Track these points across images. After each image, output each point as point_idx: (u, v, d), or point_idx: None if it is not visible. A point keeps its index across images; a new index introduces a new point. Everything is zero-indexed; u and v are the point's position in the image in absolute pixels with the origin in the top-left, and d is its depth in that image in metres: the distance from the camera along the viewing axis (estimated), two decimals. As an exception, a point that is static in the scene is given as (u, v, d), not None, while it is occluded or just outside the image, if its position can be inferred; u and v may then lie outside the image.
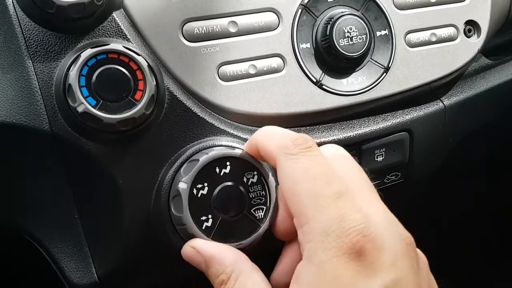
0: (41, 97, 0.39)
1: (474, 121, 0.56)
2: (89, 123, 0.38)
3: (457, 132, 0.55)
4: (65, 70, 0.38)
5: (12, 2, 0.40)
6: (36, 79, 0.39)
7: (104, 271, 0.45)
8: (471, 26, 0.53)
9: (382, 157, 0.52)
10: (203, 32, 0.45)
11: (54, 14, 0.38)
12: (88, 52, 0.38)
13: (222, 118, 0.45)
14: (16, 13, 0.40)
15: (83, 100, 0.37)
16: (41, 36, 0.39)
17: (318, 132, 0.49)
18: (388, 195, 0.54)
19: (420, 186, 0.57)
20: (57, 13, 0.38)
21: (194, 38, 0.45)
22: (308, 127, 0.49)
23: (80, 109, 0.37)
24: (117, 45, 0.39)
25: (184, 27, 0.44)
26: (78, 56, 0.38)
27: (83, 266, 0.44)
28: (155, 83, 0.40)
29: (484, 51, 0.60)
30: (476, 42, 0.53)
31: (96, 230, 0.43)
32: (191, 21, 0.45)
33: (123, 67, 0.39)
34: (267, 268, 0.40)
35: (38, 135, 0.39)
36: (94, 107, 0.38)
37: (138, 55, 0.40)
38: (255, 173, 0.41)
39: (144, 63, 0.40)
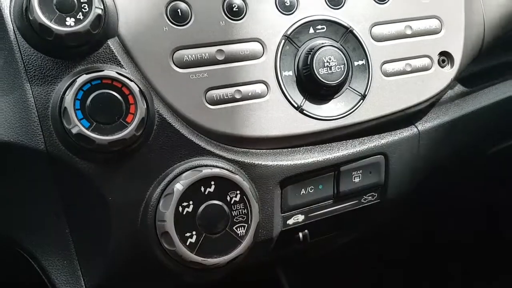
0: (37, 118, 0.42)
1: (447, 146, 0.60)
2: (83, 144, 0.41)
3: (431, 156, 0.59)
4: (61, 93, 0.41)
5: (13, 28, 0.43)
6: (33, 101, 0.42)
7: (93, 284, 0.47)
8: (445, 57, 0.57)
9: (359, 178, 0.55)
10: (192, 59, 0.48)
11: (52, 42, 0.41)
12: (84, 77, 0.41)
13: (208, 139, 0.48)
14: (17, 39, 0.42)
15: (77, 123, 0.40)
16: (40, 61, 0.42)
17: (299, 153, 0.52)
18: (365, 215, 0.57)
19: (396, 206, 0.60)
20: (55, 41, 0.41)
21: (184, 64, 0.48)
22: (289, 149, 0.52)
23: (74, 130, 0.40)
24: (110, 71, 0.42)
25: (175, 54, 0.47)
26: (74, 81, 0.41)
27: (73, 279, 0.46)
28: (145, 106, 0.43)
29: (460, 79, 0.63)
30: (450, 72, 0.57)
31: (86, 245, 0.46)
32: (181, 49, 0.48)
33: (116, 92, 0.42)
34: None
35: (34, 154, 0.42)
36: (87, 129, 0.41)
37: (131, 80, 0.43)
38: (238, 192, 0.44)
39: (135, 89, 0.43)
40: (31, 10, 0.41)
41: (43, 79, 0.42)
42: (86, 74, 0.41)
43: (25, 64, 0.42)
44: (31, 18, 0.41)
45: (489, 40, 0.63)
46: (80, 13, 0.42)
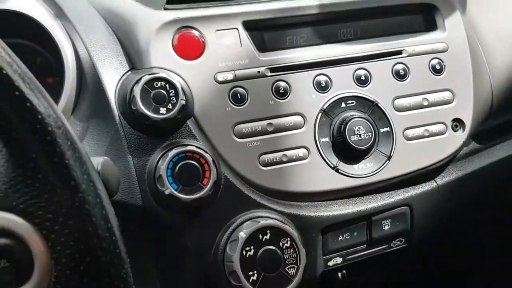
0: (137, 182, 0.55)
1: (464, 197, 0.69)
2: (172, 202, 0.53)
3: (450, 206, 0.68)
4: (155, 163, 0.54)
5: (118, 114, 0.57)
6: (134, 169, 0.55)
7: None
8: (457, 123, 0.67)
9: (388, 226, 0.65)
10: (248, 131, 0.60)
11: (148, 125, 0.55)
12: (174, 151, 0.54)
13: (262, 195, 0.60)
14: (121, 122, 0.56)
15: (169, 186, 0.53)
16: (138, 139, 0.56)
17: (336, 206, 0.63)
18: (394, 257, 0.67)
19: (421, 250, 0.69)
20: (151, 124, 0.55)
21: (242, 135, 0.60)
22: (328, 202, 0.63)
23: (167, 192, 0.53)
24: (192, 147, 0.55)
25: (235, 128, 0.60)
26: (166, 154, 0.54)
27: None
28: (216, 172, 0.55)
29: (474, 136, 0.73)
30: (462, 135, 0.67)
31: (169, 282, 0.57)
32: (240, 124, 0.60)
33: (195, 161, 0.55)
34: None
35: (133, 210, 0.55)
36: (176, 190, 0.53)
37: (206, 152, 0.55)
38: (288, 239, 0.55)
39: (209, 159, 0.55)
40: (134, 103, 0.55)
41: (141, 152, 0.56)
42: (175, 149, 0.54)
43: (127, 141, 0.56)
44: (133, 108, 0.55)
45: (497, 103, 0.73)
46: (170, 104, 0.55)
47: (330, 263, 0.63)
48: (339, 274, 0.64)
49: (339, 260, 0.63)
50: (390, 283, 0.78)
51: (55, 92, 0.71)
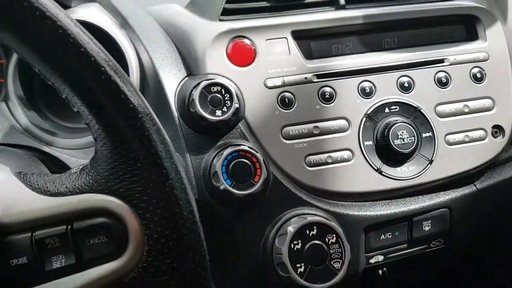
0: (194, 177, 0.60)
1: (502, 201, 0.71)
2: (225, 197, 0.58)
3: (488, 210, 0.70)
4: (210, 161, 0.59)
5: (177, 115, 0.62)
6: (191, 166, 0.60)
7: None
8: (497, 129, 0.70)
9: (429, 227, 0.67)
10: (295, 133, 0.64)
11: (205, 126, 0.60)
12: (228, 150, 0.58)
13: (308, 193, 0.64)
14: (180, 123, 0.61)
15: (223, 182, 0.57)
16: (195, 138, 0.61)
17: (379, 206, 0.66)
18: (433, 257, 0.69)
19: (460, 251, 0.71)
20: (208, 125, 0.59)
21: (289, 137, 0.64)
22: (371, 202, 0.66)
23: (221, 187, 0.57)
24: (245, 146, 0.60)
25: (283, 130, 0.64)
26: (221, 152, 0.59)
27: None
28: (266, 170, 0.60)
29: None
30: (502, 141, 0.69)
31: (220, 272, 0.61)
32: (288, 126, 0.64)
33: (248, 160, 0.59)
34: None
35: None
36: (230, 186, 0.58)
37: (257, 152, 0.60)
38: (334, 235, 0.59)
39: (260, 158, 0.60)
40: (193, 105, 0.60)
41: (197, 150, 0.61)
42: (230, 148, 0.59)
43: (185, 140, 0.61)
44: (192, 110, 0.60)
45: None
46: (225, 107, 0.60)
47: (372, 261, 0.65)
48: (380, 272, 0.67)
49: (380, 258, 0.66)
50: (427, 282, 0.80)
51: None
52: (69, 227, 0.35)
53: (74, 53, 0.33)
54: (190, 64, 0.66)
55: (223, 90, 0.61)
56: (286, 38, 0.67)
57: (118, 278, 0.35)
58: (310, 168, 0.64)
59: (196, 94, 0.60)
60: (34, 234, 0.35)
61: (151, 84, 0.66)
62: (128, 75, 0.68)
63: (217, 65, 0.64)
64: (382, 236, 0.65)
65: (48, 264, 0.35)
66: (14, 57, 0.69)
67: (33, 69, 0.36)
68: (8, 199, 0.36)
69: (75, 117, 0.75)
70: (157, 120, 0.36)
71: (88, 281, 0.35)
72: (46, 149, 0.65)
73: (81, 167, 0.37)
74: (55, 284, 0.35)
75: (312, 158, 0.64)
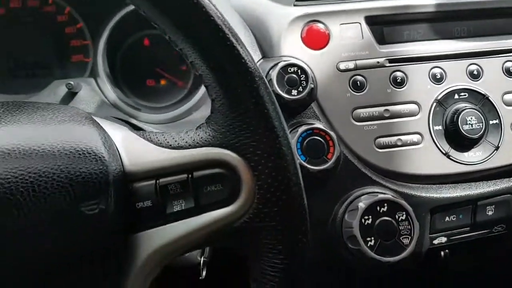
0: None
1: None
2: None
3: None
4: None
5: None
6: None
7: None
8: None
9: (492, 212, 0.68)
10: (366, 115, 0.67)
11: (281, 104, 0.62)
12: (303, 128, 0.62)
13: (376, 173, 0.66)
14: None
15: (298, 157, 0.61)
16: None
17: (445, 189, 0.67)
18: (495, 241, 0.70)
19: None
20: (284, 104, 0.63)
21: (360, 119, 0.67)
22: (437, 185, 0.68)
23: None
24: (319, 125, 0.62)
25: (354, 112, 0.67)
26: (295, 129, 0.62)
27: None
28: (339, 149, 0.62)
29: None
30: None
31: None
32: (359, 108, 0.67)
33: (321, 138, 0.62)
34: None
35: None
36: (304, 161, 0.61)
37: (331, 131, 0.63)
38: (404, 213, 0.61)
39: (334, 136, 0.62)
40: (270, 84, 0.63)
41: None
42: (304, 126, 0.62)
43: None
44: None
45: None
46: (300, 87, 0.63)
47: (435, 242, 0.68)
48: (442, 253, 0.69)
49: (443, 239, 0.68)
50: (483, 268, 0.81)
51: (185, 77, 0.81)
52: (190, 176, 0.39)
53: (204, 22, 0.37)
54: (265, 47, 0.69)
55: (299, 71, 0.64)
56: (360, 23, 0.69)
57: (229, 223, 0.39)
58: (380, 150, 0.66)
59: (273, 74, 0.63)
60: (158, 181, 0.39)
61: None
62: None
63: (292, 48, 0.67)
64: (447, 218, 0.67)
65: (169, 207, 0.39)
66: (104, 38, 0.74)
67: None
68: (134, 151, 0.40)
69: (153, 98, 0.80)
70: (268, 84, 0.39)
71: (204, 224, 0.39)
72: (134, 121, 0.69)
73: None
74: (175, 225, 0.39)
75: (381, 140, 0.67)
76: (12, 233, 0.34)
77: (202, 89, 0.73)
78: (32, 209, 0.34)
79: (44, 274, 0.35)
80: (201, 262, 0.58)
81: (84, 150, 0.37)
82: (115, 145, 0.40)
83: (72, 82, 0.69)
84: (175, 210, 0.39)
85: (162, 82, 0.83)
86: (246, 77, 0.38)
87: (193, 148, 0.39)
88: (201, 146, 0.39)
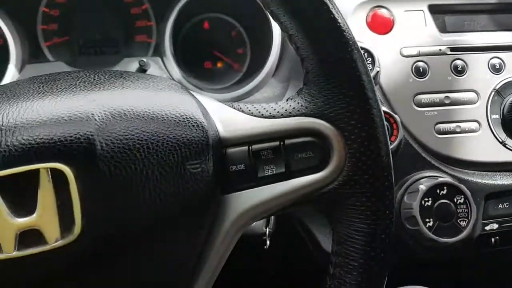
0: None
1: None
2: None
3: None
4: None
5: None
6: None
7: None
8: None
9: (547, 199, 0.70)
10: (427, 101, 0.69)
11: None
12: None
13: (435, 158, 0.68)
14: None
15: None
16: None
17: (500, 177, 0.69)
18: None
19: None
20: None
21: (421, 105, 0.69)
22: (491, 173, 0.69)
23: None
24: (383, 108, 0.64)
25: (415, 97, 0.69)
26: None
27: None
28: (402, 132, 0.64)
29: None
30: None
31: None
32: (420, 94, 0.69)
33: (386, 120, 0.64)
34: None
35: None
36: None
37: (395, 114, 0.65)
38: (462, 196, 0.63)
39: (398, 119, 0.64)
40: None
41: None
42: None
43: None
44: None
45: None
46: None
47: (487, 228, 0.69)
48: (493, 240, 0.70)
49: (495, 226, 0.69)
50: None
51: (241, 60, 0.84)
52: (282, 143, 0.41)
53: None
54: (329, 30, 0.71)
55: (366, 54, 0.66)
56: (423, 11, 0.71)
57: (318, 188, 0.41)
58: (439, 136, 0.68)
59: (340, 56, 0.65)
60: (251, 147, 0.41)
61: (291, 49, 0.72)
62: (272, 39, 0.74)
63: (357, 32, 0.69)
64: (500, 205, 0.69)
65: (261, 171, 0.41)
66: (171, 19, 0.76)
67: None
68: (227, 119, 0.42)
69: (209, 80, 0.82)
70: (363, 56, 0.41)
71: (293, 188, 0.41)
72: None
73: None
74: (265, 187, 0.41)
75: (441, 126, 0.68)
76: (127, 187, 0.37)
77: (264, 72, 0.75)
78: (146, 164, 0.37)
79: (152, 223, 0.38)
80: (266, 232, 0.61)
81: (186, 116, 0.40)
82: (209, 114, 0.43)
83: (144, 60, 0.72)
84: (266, 174, 0.41)
85: (219, 64, 0.85)
86: (345, 50, 0.40)
87: (286, 117, 0.42)
88: (294, 116, 0.42)
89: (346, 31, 0.40)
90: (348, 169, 0.41)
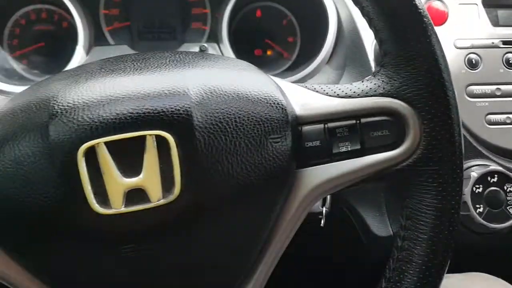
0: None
1: None
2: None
3: None
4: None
5: (374, 66, 0.70)
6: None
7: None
8: None
9: None
10: (478, 92, 0.71)
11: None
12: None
13: (485, 148, 0.70)
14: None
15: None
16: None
17: (546, 169, 0.71)
18: None
19: None
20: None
21: (473, 95, 0.71)
22: (538, 165, 0.71)
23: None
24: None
25: (468, 88, 0.71)
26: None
27: (383, 225, 0.71)
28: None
29: None
30: None
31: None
32: (472, 85, 0.71)
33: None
34: None
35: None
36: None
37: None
38: (513, 185, 0.65)
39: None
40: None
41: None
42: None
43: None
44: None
45: None
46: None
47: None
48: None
49: (536, 217, 0.71)
50: None
51: (291, 48, 0.87)
52: (358, 121, 0.44)
53: None
54: (384, 21, 0.73)
55: (420, 45, 0.68)
56: (477, 5, 0.72)
57: (392, 165, 0.44)
58: (490, 126, 0.70)
59: (395, 46, 0.68)
60: (326, 125, 0.44)
61: (347, 35, 0.75)
62: (327, 27, 0.77)
63: (411, 24, 0.71)
64: (541, 197, 0.71)
65: (336, 148, 0.44)
66: (229, 7, 0.79)
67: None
68: (302, 99, 0.45)
69: (259, 67, 0.85)
70: (439, 40, 0.44)
71: (367, 164, 0.44)
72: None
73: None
74: (339, 163, 0.44)
75: (492, 117, 0.70)
76: (219, 155, 0.40)
77: (318, 59, 0.78)
78: (235, 136, 0.40)
79: (239, 189, 0.41)
80: (323, 211, 0.64)
81: (268, 95, 0.43)
82: (286, 94, 0.46)
83: (205, 45, 0.76)
84: (341, 150, 0.44)
85: (269, 52, 0.88)
86: (425, 34, 0.42)
87: (362, 97, 0.44)
88: (370, 96, 0.44)
89: (426, 17, 0.43)
90: (422, 148, 0.43)
